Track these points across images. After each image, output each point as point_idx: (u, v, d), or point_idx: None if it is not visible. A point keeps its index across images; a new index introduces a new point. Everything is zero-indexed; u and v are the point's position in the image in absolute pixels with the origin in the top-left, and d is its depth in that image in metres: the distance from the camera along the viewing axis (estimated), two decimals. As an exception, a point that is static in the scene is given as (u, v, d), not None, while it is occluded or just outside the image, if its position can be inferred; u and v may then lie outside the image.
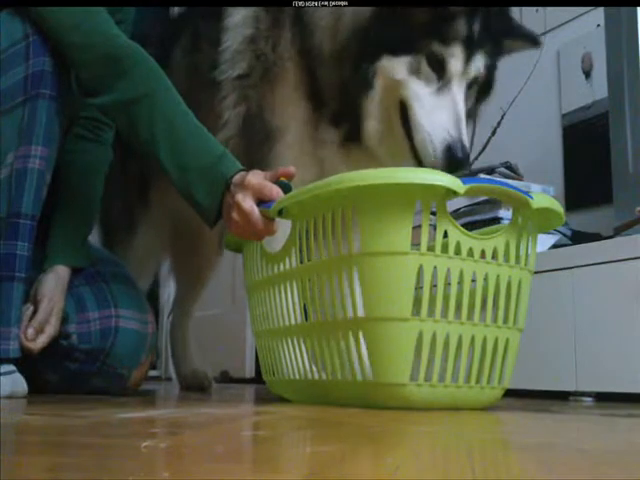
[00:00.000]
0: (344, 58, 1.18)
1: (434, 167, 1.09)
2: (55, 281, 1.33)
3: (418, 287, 0.96)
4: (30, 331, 1.26)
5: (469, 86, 1.16)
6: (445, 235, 0.98)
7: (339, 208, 1.00)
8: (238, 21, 1.33)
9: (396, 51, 1.12)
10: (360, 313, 1.00)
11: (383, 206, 0.95)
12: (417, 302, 0.96)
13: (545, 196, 1.06)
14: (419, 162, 1.13)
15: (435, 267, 0.97)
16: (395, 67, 1.12)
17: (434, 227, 0.98)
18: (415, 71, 1.11)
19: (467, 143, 1.09)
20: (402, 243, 0.95)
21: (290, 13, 1.29)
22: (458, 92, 1.11)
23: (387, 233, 0.96)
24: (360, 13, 1.17)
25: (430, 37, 1.10)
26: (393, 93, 1.14)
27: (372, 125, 1.19)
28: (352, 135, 1.22)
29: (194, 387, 1.72)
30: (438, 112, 1.10)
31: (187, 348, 1.83)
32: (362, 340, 0.99)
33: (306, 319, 1.13)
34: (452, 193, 0.94)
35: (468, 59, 1.12)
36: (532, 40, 1.25)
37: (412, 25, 1.11)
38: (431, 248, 0.97)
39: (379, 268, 0.96)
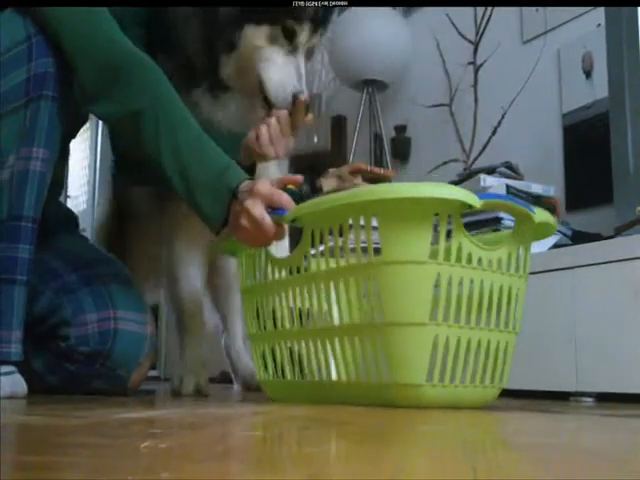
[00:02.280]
0: (212, 20, 1.38)
1: (283, 106, 1.38)
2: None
3: (437, 293, 1.02)
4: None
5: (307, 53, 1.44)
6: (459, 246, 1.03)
7: (358, 218, 1.04)
8: None
9: (259, 21, 1.37)
10: (378, 318, 1.03)
11: (404, 218, 1.00)
12: (433, 308, 1.01)
13: (542, 211, 1.13)
14: (269, 102, 1.40)
15: (450, 276, 1.02)
16: (256, 34, 1.38)
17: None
18: (273, 39, 1.38)
19: (305, 94, 1.38)
20: (421, 253, 1.00)
21: None
22: (301, 57, 1.41)
23: (407, 243, 1.01)
24: None
25: (286, 14, 1.37)
26: (252, 55, 1.39)
27: (227, 73, 1.41)
28: (216, 85, 1.43)
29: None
30: (287, 70, 1.38)
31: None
32: (379, 343, 1.03)
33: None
34: (468, 207, 1.01)
35: (311, 35, 1.41)
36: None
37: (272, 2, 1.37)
38: (446, 257, 1.02)
39: (399, 276, 1.01)
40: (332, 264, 1.10)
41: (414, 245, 1.00)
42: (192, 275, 1.59)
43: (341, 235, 1.06)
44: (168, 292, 1.66)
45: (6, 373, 1.15)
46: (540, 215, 1.10)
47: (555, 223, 1.15)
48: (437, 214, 1.01)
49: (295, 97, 1.36)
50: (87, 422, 0.77)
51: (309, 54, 1.46)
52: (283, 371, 1.21)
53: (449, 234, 1.01)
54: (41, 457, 0.50)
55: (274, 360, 1.23)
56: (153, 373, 3.11)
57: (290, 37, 1.39)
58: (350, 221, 1.05)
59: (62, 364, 1.37)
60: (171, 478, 0.41)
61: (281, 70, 1.38)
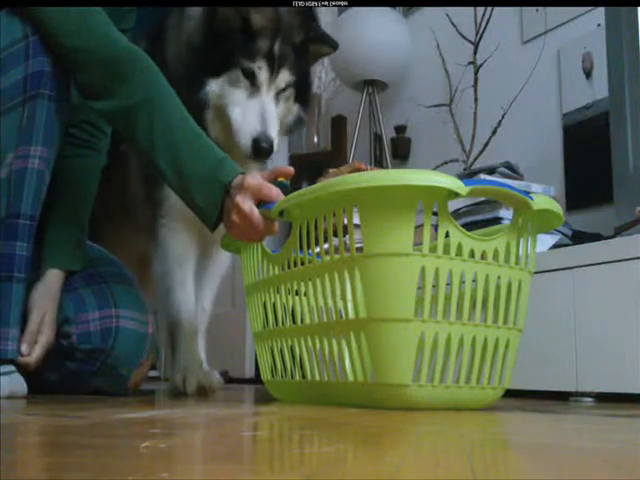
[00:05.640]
0: (179, 84, 1.36)
1: (244, 155, 1.39)
2: (44, 288, 1.32)
3: (422, 287, 0.97)
4: (24, 347, 1.25)
5: (280, 92, 1.44)
6: (447, 236, 0.98)
7: (341, 209, 1.00)
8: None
9: (218, 72, 1.40)
10: (362, 314, 1.00)
11: (385, 208, 0.96)
12: (419, 303, 0.97)
13: (545, 197, 1.06)
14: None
15: (437, 268, 0.97)
16: (219, 84, 1.41)
17: (435, 227, 0.98)
18: (234, 82, 1.40)
19: (274, 136, 1.38)
20: (404, 244, 0.95)
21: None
22: (267, 97, 1.41)
23: (389, 234, 0.96)
24: (191, 38, 1.42)
25: (241, 55, 1.38)
26: (220, 102, 1.42)
27: (212, 134, 1.41)
28: None
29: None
30: (249, 112, 1.39)
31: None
32: (364, 341, 1.00)
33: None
34: (454, 194, 0.95)
35: (273, 71, 1.40)
36: (329, 43, 1.50)
37: (228, 46, 1.39)
38: (432, 248, 0.97)
39: (381, 269, 0.97)
40: (317, 259, 1.07)
41: (397, 236, 0.95)
42: (187, 282, 1.55)
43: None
44: (161, 299, 1.59)
45: (6, 373, 1.16)
46: (540, 202, 1.03)
47: (561, 211, 1.07)
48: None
49: (255, 142, 1.35)
50: (87, 422, 0.77)
51: (281, 94, 1.43)
52: (285, 371, 1.20)
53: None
54: (41, 457, 0.50)
55: (273, 359, 1.23)
56: (153, 373, 3.10)
57: (251, 78, 1.39)
58: (332, 214, 1.00)
59: (63, 362, 1.37)
60: (171, 478, 0.41)
61: (243, 111, 1.39)
